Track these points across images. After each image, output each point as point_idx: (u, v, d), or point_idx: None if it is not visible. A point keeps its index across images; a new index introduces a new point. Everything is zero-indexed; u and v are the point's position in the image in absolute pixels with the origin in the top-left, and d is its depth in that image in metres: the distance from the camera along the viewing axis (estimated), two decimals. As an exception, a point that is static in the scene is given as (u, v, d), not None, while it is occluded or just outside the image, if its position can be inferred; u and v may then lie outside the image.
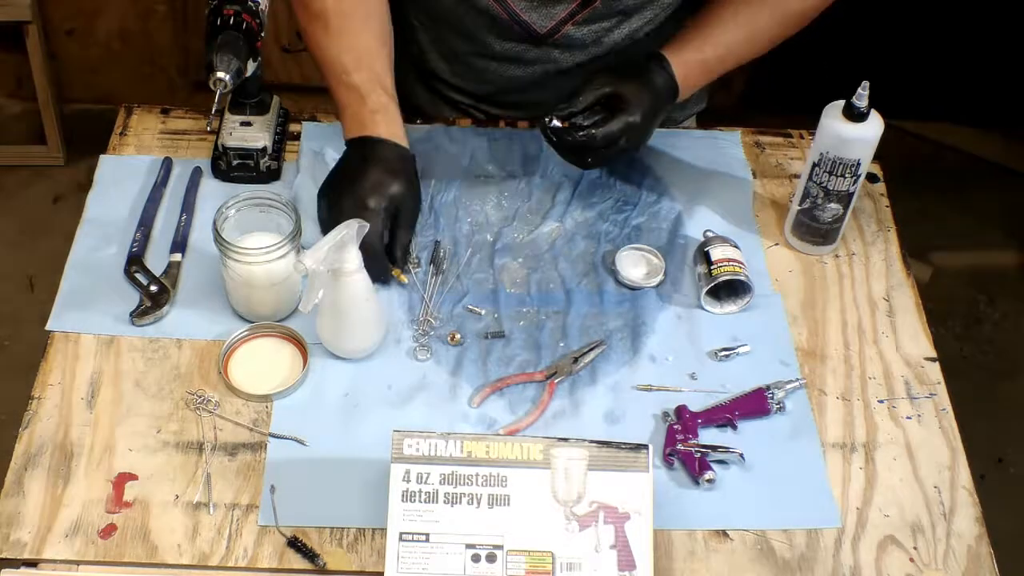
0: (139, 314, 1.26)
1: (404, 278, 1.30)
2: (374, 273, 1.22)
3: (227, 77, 1.26)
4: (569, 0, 1.35)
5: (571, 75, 1.45)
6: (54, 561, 1.08)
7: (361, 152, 1.31)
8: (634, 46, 1.43)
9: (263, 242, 1.20)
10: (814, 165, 1.33)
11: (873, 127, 1.28)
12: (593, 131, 1.29)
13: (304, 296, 1.17)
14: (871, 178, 1.51)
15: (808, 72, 2.13)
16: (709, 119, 1.64)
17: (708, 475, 1.15)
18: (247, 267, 1.20)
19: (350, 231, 1.12)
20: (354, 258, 1.15)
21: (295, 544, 1.09)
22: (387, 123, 1.32)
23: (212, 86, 1.26)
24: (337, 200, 1.28)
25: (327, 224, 1.29)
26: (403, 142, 1.33)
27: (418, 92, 1.58)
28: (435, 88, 1.56)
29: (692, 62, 1.34)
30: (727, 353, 1.28)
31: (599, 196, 1.44)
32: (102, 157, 1.46)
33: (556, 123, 1.29)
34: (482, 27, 1.41)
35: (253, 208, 1.25)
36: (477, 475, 1.06)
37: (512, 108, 1.53)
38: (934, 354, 1.31)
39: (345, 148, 1.34)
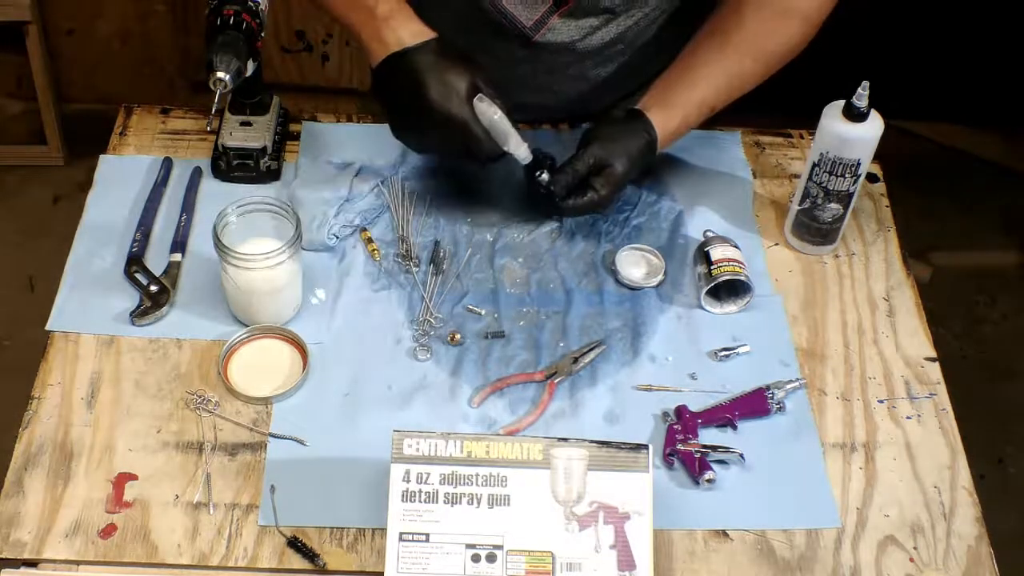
0: (139, 314, 1.26)
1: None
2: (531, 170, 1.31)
3: (227, 77, 1.26)
4: None
5: (561, 74, 1.45)
6: (54, 561, 1.08)
7: (396, 76, 1.26)
8: (623, 45, 1.43)
9: (263, 248, 1.20)
10: (814, 165, 1.33)
11: (873, 127, 1.28)
12: (574, 203, 1.31)
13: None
14: (871, 178, 1.51)
15: (808, 72, 2.13)
16: (709, 119, 1.64)
17: (708, 475, 1.15)
18: (247, 273, 1.20)
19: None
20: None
21: (295, 544, 1.09)
22: (403, 24, 1.27)
23: (212, 86, 1.26)
24: (421, 137, 1.30)
25: (425, 152, 1.38)
26: (424, 35, 1.26)
27: None
28: None
29: (673, 121, 1.34)
30: (727, 353, 1.28)
31: (599, 196, 1.44)
32: (102, 157, 1.46)
33: (545, 176, 1.31)
34: (472, 25, 1.41)
35: (253, 213, 1.25)
36: (477, 475, 1.06)
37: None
38: (934, 354, 1.31)
39: (378, 76, 1.29)
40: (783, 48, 1.36)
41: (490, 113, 1.26)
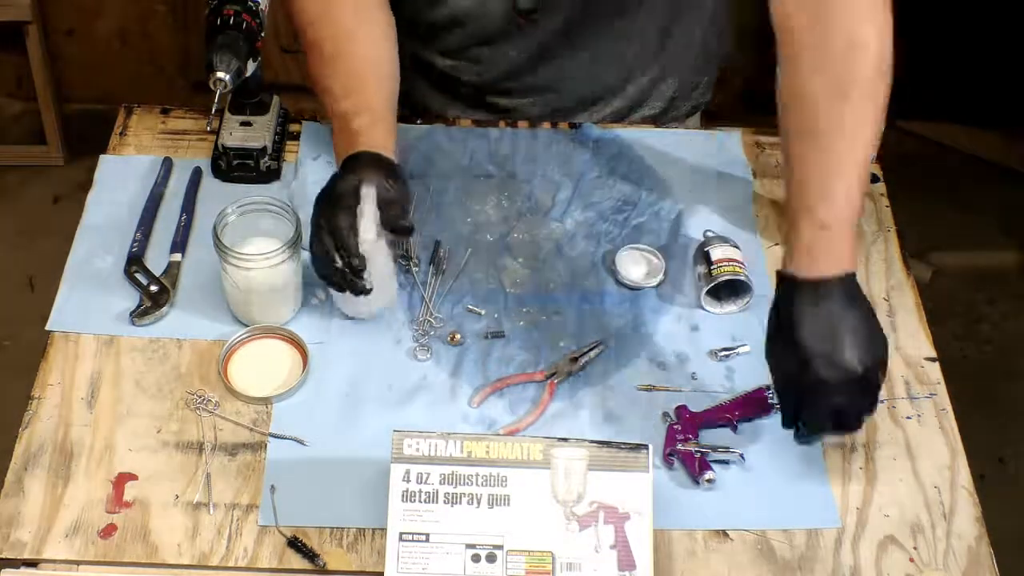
0: (139, 314, 1.26)
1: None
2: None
3: (227, 77, 1.26)
4: None
5: (562, 55, 1.45)
6: (54, 561, 1.08)
7: (341, 171, 1.24)
8: (620, 22, 1.41)
9: (263, 248, 1.20)
10: (814, 165, 1.32)
11: (873, 127, 1.28)
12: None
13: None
14: (871, 178, 1.50)
15: (808, 72, 2.13)
16: (709, 119, 1.64)
17: (708, 475, 1.15)
18: (247, 272, 1.20)
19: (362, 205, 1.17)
20: (371, 229, 1.19)
21: (295, 544, 1.09)
22: (368, 138, 1.24)
23: (212, 86, 1.26)
24: (316, 219, 1.22)
25: (312, 243, 1.22)
26: (385, 151, 1.24)
27: (419, 86, 1.58)
28: (437, 81, 1.56)
29: (803, 247, 1.09)
30: (727, 353, 1.28)
31: (599, 196, 1.44)
32: (102, 157, 1.46)
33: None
34: (475, 11, 1.40)
35: (253, 213, 1.25)
36: (477, 475, 1.06)
37: (513, 94, 1.52)
38: (934, 354, 1.31)
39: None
40: (872, 73, 1.19)
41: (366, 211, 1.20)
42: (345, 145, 1.25)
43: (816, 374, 1.06)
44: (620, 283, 1.35)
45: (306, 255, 1.30)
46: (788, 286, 1.09)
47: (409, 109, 1.59)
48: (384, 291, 1.26)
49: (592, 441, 1.08)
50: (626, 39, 1.46)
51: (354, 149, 1.24)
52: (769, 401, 1.22)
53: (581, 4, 1.40)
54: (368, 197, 1.19)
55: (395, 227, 1.21)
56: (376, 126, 1.27)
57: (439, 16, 1.43)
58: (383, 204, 1.21)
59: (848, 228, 1.08)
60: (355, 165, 1.23)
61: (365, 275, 1.20)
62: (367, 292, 1.20)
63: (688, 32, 1.47)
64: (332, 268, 1.20)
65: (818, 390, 1.06)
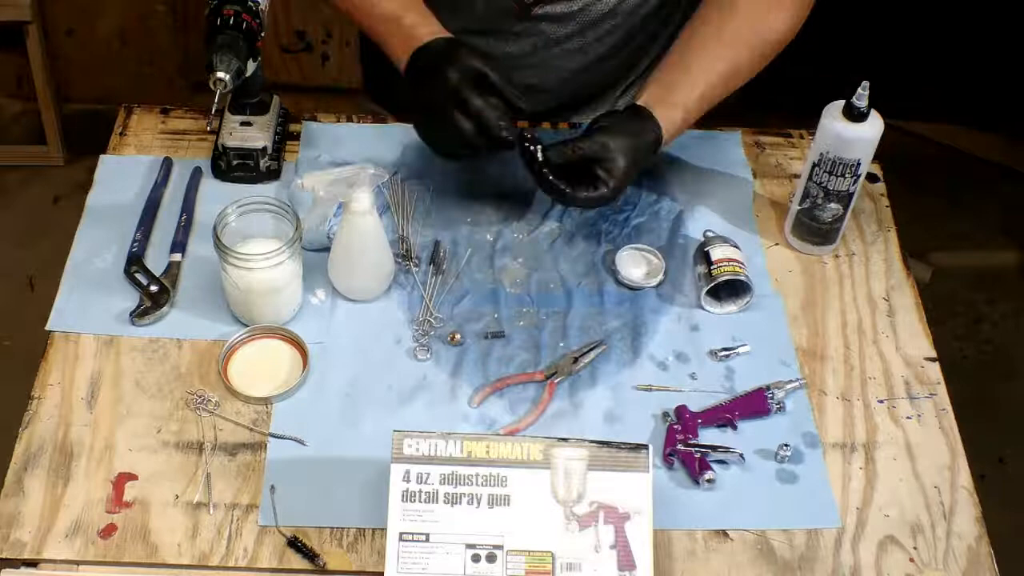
0: (139, 314, 1.26)
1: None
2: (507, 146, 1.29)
3: (227, 77, 1.26)
4: None
5: (561, 49, 1.45)
6: (54, 561, 1.08)
7: (416, 70, 1.32)
8: (620, 16, 1.43)
9: (263, 248, 1.20)
10: (814, 165, 1.33)
11: (873, 127, 1.28)
12: (584, 195, 1.28)
13: (305, 216, 1.22)
14: (871, 178, 1.51)
15: (808, 72, 2.13)
16: (709, 119, 1.64)
17: (708, 475, 1.15)
18: (247, 273, 1.20)
19: (363, 173, 1.16)
20: (365, 199, 1.20)
21: (295, 544, 1.09)
22: (426, 27, 1.33)
23: (212, 86, 1.26)
24: (423, 120, 1.34)
25: (434, 145, 1.35)
26: (437, 33, 1.32)
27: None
28: None
29: (676, 120, 1.32)
30: (727, 353, 1.28)
31: (599, 196, 1.44)
32: (102, 157, 1.46)
33: (536, 149, 1.28)
34: (467, 1, 1.41)
35: (253, 213, 1.25)
36: (477, 475, 1.06)
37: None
38: (934, 354, 1.31)
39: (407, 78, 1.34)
40: (777, 36, 1.36)
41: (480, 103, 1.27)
42: (404, 43, 1.33)
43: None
44: (620, 283, 1.35)
45: (306, 254, 1.30)
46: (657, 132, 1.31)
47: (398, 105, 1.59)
48: (378, 272, 1.26)
49: (592, 441, 1.08)
50: (621, 39, 1.46)
51: (420, 41, 1.31)
52: (769, 401, 1.22)
53: (579, 2, 1.40)
54: (364, 178, 1.20)
55: (513, 104, 1.31)
56: (425, 19, 1.34)
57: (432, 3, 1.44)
58: (495, 91, 1.29)
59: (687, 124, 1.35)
60: (439, 54, 1.30)
61: None
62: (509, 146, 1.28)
63: (669, 39, 1.47)
64: (471, 148, 1.30)
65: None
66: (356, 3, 1.39)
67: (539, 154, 1.27)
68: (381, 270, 1.29)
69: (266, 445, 1.17)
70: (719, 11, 1.35)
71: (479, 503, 1.05)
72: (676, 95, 1.33)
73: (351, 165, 1.41)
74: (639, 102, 1.33)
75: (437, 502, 1.05)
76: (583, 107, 1.56)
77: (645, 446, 1.08)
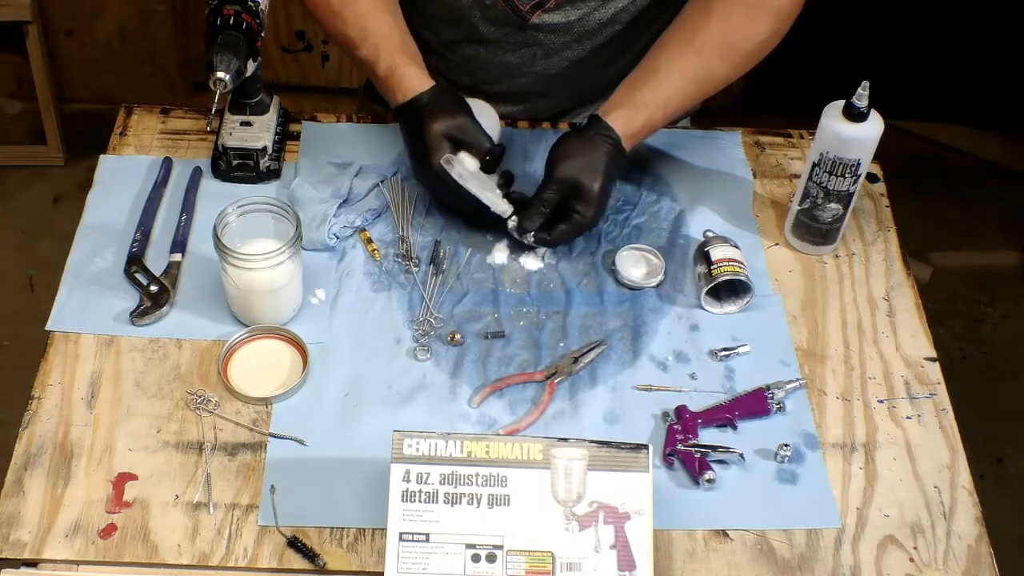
0: (139, 314, 1.26)
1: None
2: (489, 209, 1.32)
3: (227, 77, 1.26)
4: None
5: (560, 57, 1.46)
6: (54, 561, 1.08)
7: (403, 124, 1.36)
8: (618, 25, 1.43)
9: (263, 248, 1.20)
10: (814, 165, 1.33)
11: (873, 127, 1.28)
12: (552, 237, 1.32)
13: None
14: (871, 178, 1.51)
15: (808, 72, 2.13)
16: (709, 119, 1.64)
17: (708, 475, 1.15)
18: (247, 273, 1.20)
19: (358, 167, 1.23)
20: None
21: (295, 544, 1.09)
22: (400, 83, 1.34)
23: (212, 86, 1.26)
24: (418, 176, 1.38)
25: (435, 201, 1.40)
26: (421, 86, 1.33)
27: None
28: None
29: (636, 122, 1.32)
30: (727, 353, 1.28)
31: (599, 196, 1.44)
32: (102, 157, 1.46)
33: (530, 237, 1.32)
34: (471, 9, 1.41)
35: (253, 213, 1.25)
36: (477, 475, 1.06)
37: (504, 98, 1.52)
38: (934, 354, 1.31)
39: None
40: (752, 45, 1.35)
41: (460, 171, 1.30)
42: (388, 93, 1.37)
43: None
44: (620, 283, 1.35)
45: (306, 254, 1.30)
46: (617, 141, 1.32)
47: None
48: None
49: (592, 441, 1.08)
50: (620, 47, 1.46)
51: (394, 101, 1.35)
52: (769, 401, 1.22)
53: (577, 12, 1.40)
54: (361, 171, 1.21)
55: (490, 162, 1.33)
56: (397, 64, 1.35)
57: (433, 8, 1.44)
58: (467, 146, 1.32)
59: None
60: (415, 122, 1.32)
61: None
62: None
63: None
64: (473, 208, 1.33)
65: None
66: (346, 50, 1.40)
67: (522, 231, 1.32)
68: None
69: (266, 445, 1.17)
70: (693, 18, 1.35)
71: (479, 503, 1.05)
72: (639, 99, 1.33)
73: (351, 166, 1.41)
74: (600, 112, 1.33)
75: (437, 502, 1.05)
76: (583, 109, 1.56)
77: (645, 446, 1.08)
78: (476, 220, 1.37)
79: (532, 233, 1.31)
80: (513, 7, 1.40)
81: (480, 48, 1.46)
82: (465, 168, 1.31)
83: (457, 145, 1.32)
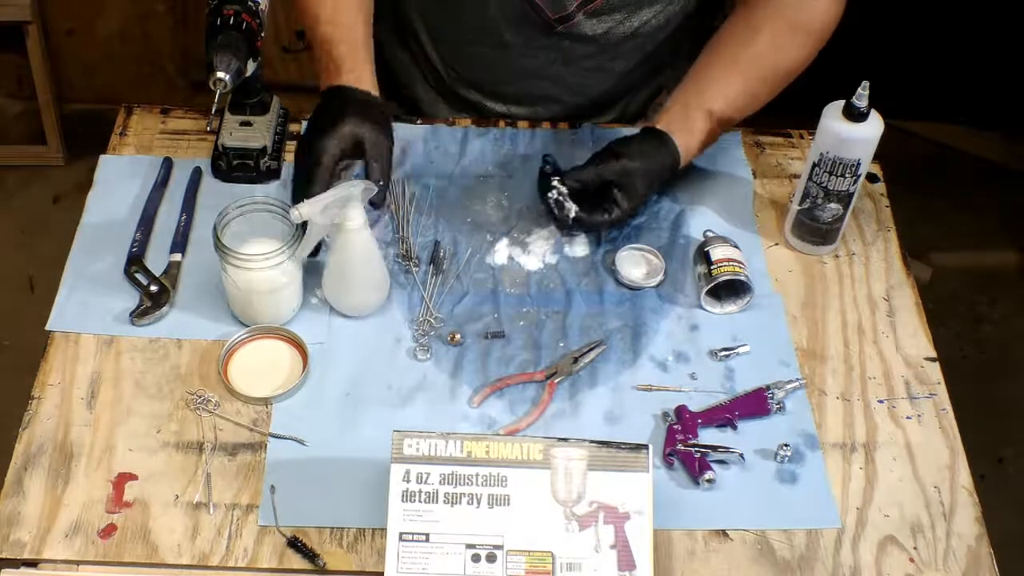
0: (139, 314, 1.26)
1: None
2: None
3: (227, 77, 1.26)
4: None
5: (578, 66, 1.46)
6: (54, 561, 1.08)
7: (324, 101, 1.33)
8: (641, 38, 1.44)
9: (263, 248, 1.20)
10: (814, 165, 1.33)
11: (873, 127, 1.28)
12: (589, 217, 1.31)
13: (302, 244, 1.21)
14: (871, 178, 1.51)
15: (808, 72, 2.13)
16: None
17: (708, 475, 1.15)
18: (247, 273, 1.20)
19: (355, 190, 1.16)
20: (358, 216, 1.19)
21: (295, 544, 1.09)
22: (352, 69, 1.33)
23: (212, 86, 1.26)
24: (302, 148, 1.30)
25: (299, 172, 1.30)
26: (369, 84, 1.33)
27: (419, 87, 1.58)
28: (436, 82, 1.56)
29: (694, 145, 1.35)
30: (727, 353, 1.28)
31: (599, 196, 1.44)
32: (102, 157, 1.46)
33: (561, 187, 1.30)
34: (496, 15, 1.41)
35: (253, 213, 1.25)
36: (477, 475, 1.06)
37: (514, 100, 1.52)
38: (934, 354, 1.31)
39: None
40: (793, 65, 1.37)
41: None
42: (328, 73, 1.33)
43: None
44: (620, 283, 1.35)
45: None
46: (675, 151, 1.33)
47: (401, 104, 1.59)
48: (376, 286, 1.26)
49: (592, 441, 1.08)
50: (640, 58, 1.47)
51: (338, 80, 1.32)
52: (769, 401, 1.22)
53: (604, 25, 1.40)
54: (355, 194, 1.19)
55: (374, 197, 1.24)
56: (357, 57, 1.34)
57: (439, 9, 1.44)
58: (368, 159, 1.28)
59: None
60: (341, 104, 1.29)
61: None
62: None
63: (686, 53, 1.47)
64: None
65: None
66: (305, 21, 1.39)
67: (557, 196, 1.29)
68: (376, 286, 1.28)
69: (266, 445, 1.17)
70: (737, 36, 1.36)
71: (479, 503, 1.05)
72: (695, 123, 1.34)
73: (341, 184, 1.41)
74: (659, 126, 1.33)
75: (437, 502, 1.05)
76: (591, 114, 1.56)
77: (645, 446, 1.08)
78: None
79: (575, 208, 1.29)
80: (543, 18, 1.40)
81: (501, 52, 1.46)
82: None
83: (354, 154, 1.29)
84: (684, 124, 1.34)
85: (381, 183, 1.26)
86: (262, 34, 1.33)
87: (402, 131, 1.49)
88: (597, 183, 1.31)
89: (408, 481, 1.05)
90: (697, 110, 1.35)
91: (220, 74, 1.26)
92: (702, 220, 1.42)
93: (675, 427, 1.19)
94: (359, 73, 1.33)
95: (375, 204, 1.28)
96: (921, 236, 2.70)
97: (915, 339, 1.32)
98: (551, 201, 1.31)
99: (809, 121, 1.39)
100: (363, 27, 1.38)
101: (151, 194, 1.40)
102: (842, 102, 1.29)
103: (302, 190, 1.25)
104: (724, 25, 1.38)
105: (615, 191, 1.30)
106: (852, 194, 1.34)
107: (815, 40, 1.37)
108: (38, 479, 1.13)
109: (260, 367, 1.23)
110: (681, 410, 1.21)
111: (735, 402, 1.22)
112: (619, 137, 1.35)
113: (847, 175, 1.31)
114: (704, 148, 1.37)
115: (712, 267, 1.31)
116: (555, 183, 1.30)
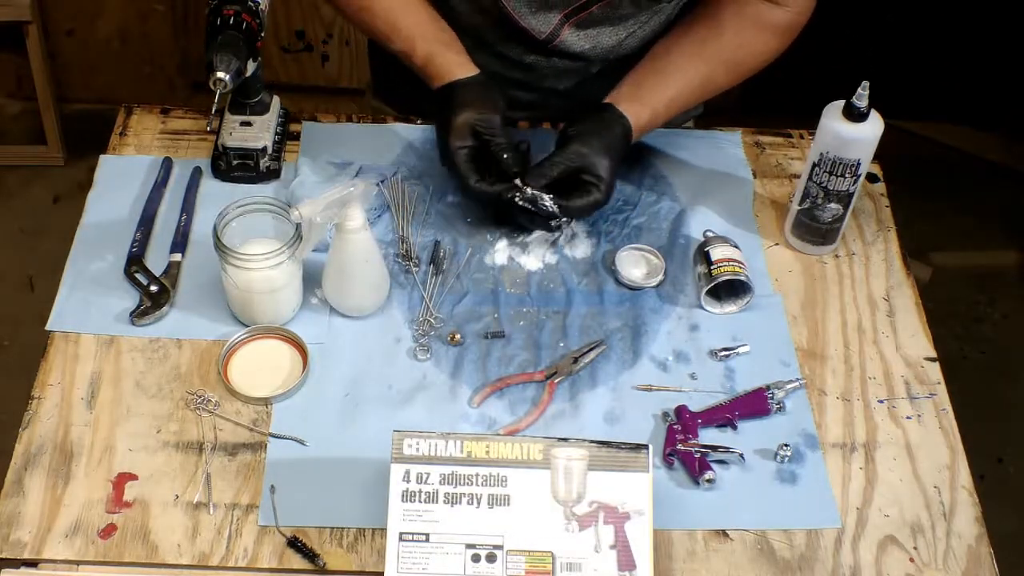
0: (139, 314, 1.26)
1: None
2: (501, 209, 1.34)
3: (227, 77, 1.26)
4: (564, 5, 1.35)
5: (565, 79, 1.46)
6: (54, 561, 1.08)
7: (436, 108, 1.36)
8: (621, 52, 1.44)
9: (263, 248, 1.20)
10: (814, 165, 1.33)
11: (873, 127, 1.28)
12: (569, 204, 1.31)
13: (301, 244, 1.21)
14: (871, 178, 1.51)
15: (808, 72, 2.13)
16: (709, 119, 1.64)
17: (708, 475, 1.15)
18: (247, 273, 1.20)
19: (355, 191, 1.16)
20: (358, 216, 1.19)
21: (295, 544, 1.09)
22: (438, 70, 1.35)
23: (212, 86, 1.26)
24: (441, 160, 1.36)
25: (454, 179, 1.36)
26: (458, 73, 1.35)
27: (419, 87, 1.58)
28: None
29: (643, 117, 1.35)
30: (727, 353, 1.28)
31: (599, 196, 1.44)
32: (102, 157, 1.46)
33: (528, 191, 1.29)
34: (489, 30, 1.41)
35: (253, 213, 1.25)
36: (477, 475, 1.06)
37: (515, 103, 1.53)
38: (934, 354, 1.31)
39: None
40: (756, 60, 1.39)
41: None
42: (427, 81, 1.37)
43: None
44: (620, 283, 1.35)
45: (310, 255, 1.30)
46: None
47: (402, 103, 1.59)
48: (376, 286, 1.26)
49: (592, 441, 1.08)
50: (624, 68, 1.47)
51: (432, 87, 1.36)
52: (769, 401, 1.22)
53: (595, 44, 1.40)
54: (355, 195, 1.19)
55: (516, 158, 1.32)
56: (434, 52, 1.36)
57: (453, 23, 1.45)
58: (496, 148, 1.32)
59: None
60: (446, 108, 1.33)
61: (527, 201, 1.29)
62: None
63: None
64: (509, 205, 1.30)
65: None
66: (381, 45, 1.42)
67: (529, 194, 1.29)
68: (376, 286, 1.28)
69: (266, 445, 1.17)
70: (704, 27, 1.38)
71: (479, 503, 1.05)
72: (646, 96, 1.36)
73: (340, 184, 1.41)
74: (607, 100, 1.35)
75: (437, 502, 1.05)
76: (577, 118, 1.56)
77: (645, 446, 1.08)
78: (496, 216, 1.39)
79: (551, 198, 1.29)
80: (532, 36, 1.40)
81: (496, 62, 1.46)
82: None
83: (479, 138, 1.32)
84: (635, 98, 1.35)
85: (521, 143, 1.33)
86: (262, 34, 1.33)
87: (402, 131, 1.49)
88: (562, 172, 1.31)
89: (408, 481, 1.06)
90: (650, 88, 1.36)
91: (220, 74, 1.26)
92: (702, 220, 1.42)
93: (675, 427, 1.19)
94: (447, 65, 1.35)
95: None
96: (921, 236, 2.71)
97: (915, 339, 1.32)
98: (525, 202, 1.30)
99: (809, 121, 1.39)
100: (428, 16, 1.39)
101: (151, 194, 1.40)
102: (842, 102, 1.29)
103: (469, 191, 1.32)
104: (690, 15, 1.40)
105: (582, 175, 1.31)
106: (852, 194, 1.34)
107: (781, 38, 1.39)
108: (38, 479, 1.13)
109: (260, 367, 1.23)
110: (681, 410, 1.21)
111: (735, 402, 1.22)
112: (567, 123, 1.35)
113: (847, 175, 1.31)
114: (655, 125, 1.38)
115: (712, 267, 1.31)
116: (517, 183, 1.30)
